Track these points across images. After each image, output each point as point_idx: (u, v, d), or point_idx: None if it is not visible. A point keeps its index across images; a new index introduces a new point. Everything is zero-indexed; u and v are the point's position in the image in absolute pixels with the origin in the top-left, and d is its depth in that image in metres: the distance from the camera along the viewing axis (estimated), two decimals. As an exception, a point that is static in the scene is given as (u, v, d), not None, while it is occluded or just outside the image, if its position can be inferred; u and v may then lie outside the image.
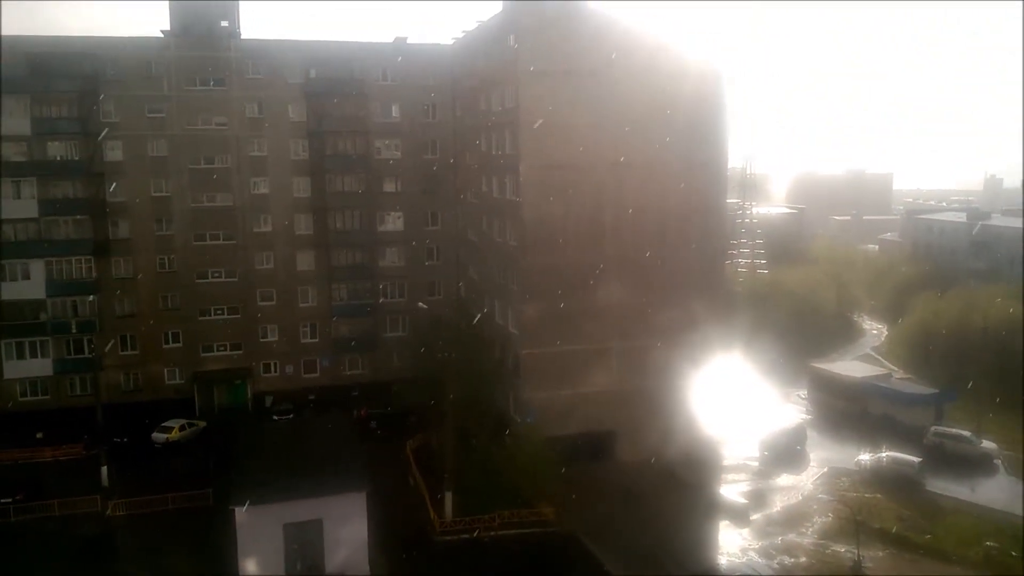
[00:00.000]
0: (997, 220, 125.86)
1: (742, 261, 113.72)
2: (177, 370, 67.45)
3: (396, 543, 43.15)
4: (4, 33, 60.61)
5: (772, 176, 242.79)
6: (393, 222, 71.59)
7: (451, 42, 70.62)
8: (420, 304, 68.78)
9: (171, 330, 67.10)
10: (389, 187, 71.12)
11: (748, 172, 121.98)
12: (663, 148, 55.61)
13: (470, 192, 67.54)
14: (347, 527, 39.02)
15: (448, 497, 46.33)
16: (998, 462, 59.18)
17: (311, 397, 67.93)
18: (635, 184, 55.40)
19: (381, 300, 71.28)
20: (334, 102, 68.29)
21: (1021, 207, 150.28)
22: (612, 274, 55.25)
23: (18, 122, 62.00)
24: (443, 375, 50.72)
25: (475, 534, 44.70)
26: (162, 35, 65.48)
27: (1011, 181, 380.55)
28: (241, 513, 37.85)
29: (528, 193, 54.53)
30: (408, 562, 42.33)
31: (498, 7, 58.95)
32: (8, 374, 63.53)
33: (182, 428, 60.99)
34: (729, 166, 69.34)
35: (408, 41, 71.59)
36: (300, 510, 38.51)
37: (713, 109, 58.32)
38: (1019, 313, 78.89)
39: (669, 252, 56.94)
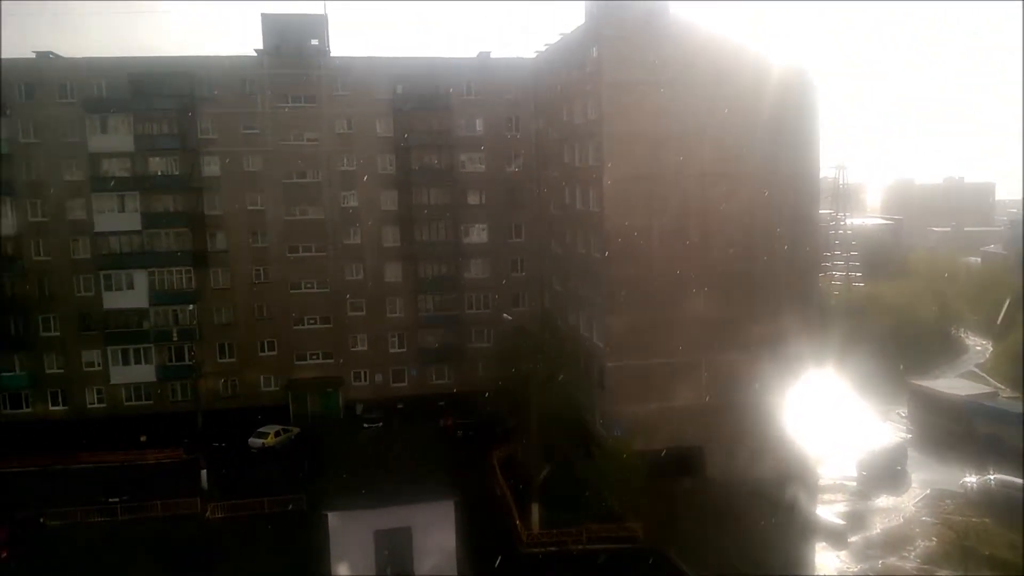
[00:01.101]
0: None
1: (836, 273, 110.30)
2: (272, 378, 69.53)
3: (483, 553, 42.99)
4: (108, 55, 63.90)
5: (866, 185, 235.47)
6: (478, 234, 72.18)
7: (533, 55, 70.96)
8: (504, 315, 69.02)
9: (266, 339, 69.26)
10: (473, 199, 71.78)
11: (841, 182, 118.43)
12: (750, 157, 54.42)
13: (553, 204, 67.51)
14: (436, 535, 39.21)
15: (534, 508, 46.09)
16: (1122, 489, 55.25)
17: (399, 406, 68.94)
18: (722, 194, 54.32)
19: (466, 311, 71.92)
20: (420, 117, 69.54)
21: None
22: (699, 286, 54.30)
23: (122, 139, 65.28)
24: (528, 386, 50.64)
25: (562, 547, 44.27)
26: (255, 54, 67.86)
27: None
28: (334, 518, 38.54)
29: (611, 204, 54.12)
30: (495, 573, 42.20)
31: (580, 20, 58.94)
32: (114, 379, 66.71)
33: (277, 434, 62.70)
34: (821, 175, 67.43)
35: (491, 56, 72.34)
36: (390, 517, 38.89)
37: (802, 116, 56.78)
38: None
39: (759, 264, 55.60)
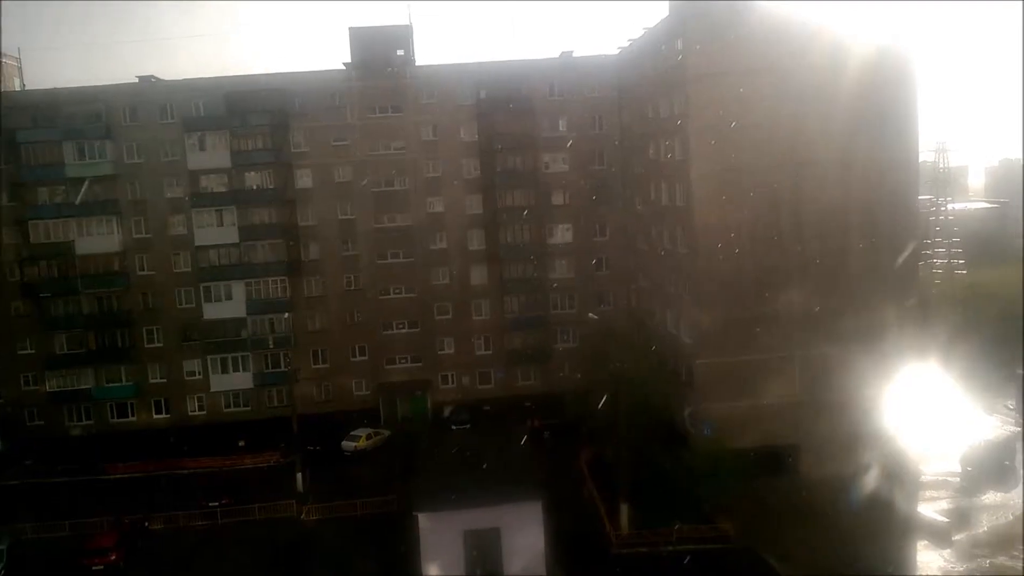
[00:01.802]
0: None
1: (938, 262, 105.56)
2: (363, 382, 71.56)
3: (572, 554, 43.25)
4: (203, 75, 66.71)
5: (969, 168, 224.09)
6: (562, 234, 72.35)
7: (616, 52, 70.64)
8: (590, 315, 69.00)
9: (357, 344, 71.28)
10: (557, 200, 71.99)
11: (941, 165, 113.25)
12: (845, 144, 52.83)
13: (638, 201, 67.08)
14: (524, 536, 39.68)
15: (624, 509, 45.99)
16: None
17: (486, 408, 69.80)
18: (815, 184, 52.92)
19: (552, 312, 72.19)
20: (503, 120, 70.16)
21: None
22: (791, 279, 53.06)
23: (220, 155, 68.34)
24: (615, 386, 50.49)
25: (652, 548, 44.03)
26: (344, 67, 69.88)
27: None
28: (424, 519, 39.48)
29: (699, 198, 53.56)
30: (585, 574, 42.35)
31: (663, 14, 58.40)
32: (214, 387, 69.90)
33: (369, 437, 64.46)
34: (920, 160, 64.79)
35: (574, 55, 72.42)
36: (479, 518, 39.59)
37: (897, 99, 54.77)
38: None
39: (855, 254, 53.91)
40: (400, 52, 70.49)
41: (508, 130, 70.36)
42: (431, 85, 70.34)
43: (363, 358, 71.49)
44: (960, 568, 43.05)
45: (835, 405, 52.04)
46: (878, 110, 53.49)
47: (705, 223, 53.28)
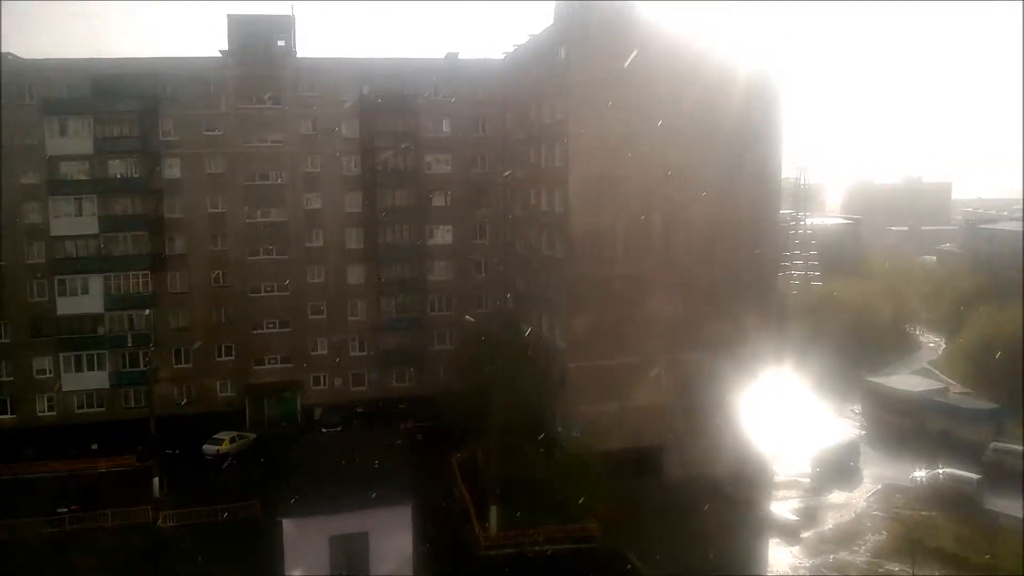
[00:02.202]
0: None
1: (796, 273, 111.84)
2: (229, 383, 68.82)
3: (441, 557, 43.29)
4: (70, 56, 62.40)
5: (827, 186, 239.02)
6: (442, 236, 72.16)
7: (502, 56, 71.18)
8: (467, 317, 69.13)
9: (224, 343, 68.53)
10: (439, 201, 71.74)
11: (802, 182, 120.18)
12: (714, 157, 55.09)
13: (519, 205, 67.79)
14: (393, 540, 39.26)
15: (493, 511, 46.33)
16: (1066, 480, 56.94)
17: (359, 410, 68.67)
18: (685, 194, 54.96)
19: (429, 313, 71.85)
20: (386, 118, 69.22)
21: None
22: (661, 286, 54.81)
23: (82, 141, 64.15)
24: (489, 388, 50.81)
25: (520, 549, 44.57)
26: (220, 55, 67.23)
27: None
28: (288, 525, 38.42)
29: (576, 205, 54.58)
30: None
31: (549, 21, 59.26)
32: (66, 386, 65.39)
33: (232, 440, 62.16)
34: (782, 175, 68.48)
35: (459, 56, 72.46)
36: (346, 522, 38.89)
37: (765, 117, 57.67)
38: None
39: (720, 263, 56.32)
40: (281, 43, 68.33)
41: (391, 128, 69.50)
42: (313, 78, 68.60)
43: (230, 358, 68.81)
44: (807, 563, 45.82)
45: (699, 408, 54.30)
46: (747, 128, 56.13)
47: (581, 229, 54.41)
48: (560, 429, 56.48)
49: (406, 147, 69.62)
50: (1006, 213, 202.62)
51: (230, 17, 67.26)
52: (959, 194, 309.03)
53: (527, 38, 64.40)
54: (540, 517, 45.99)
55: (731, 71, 54.75)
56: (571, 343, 55.57)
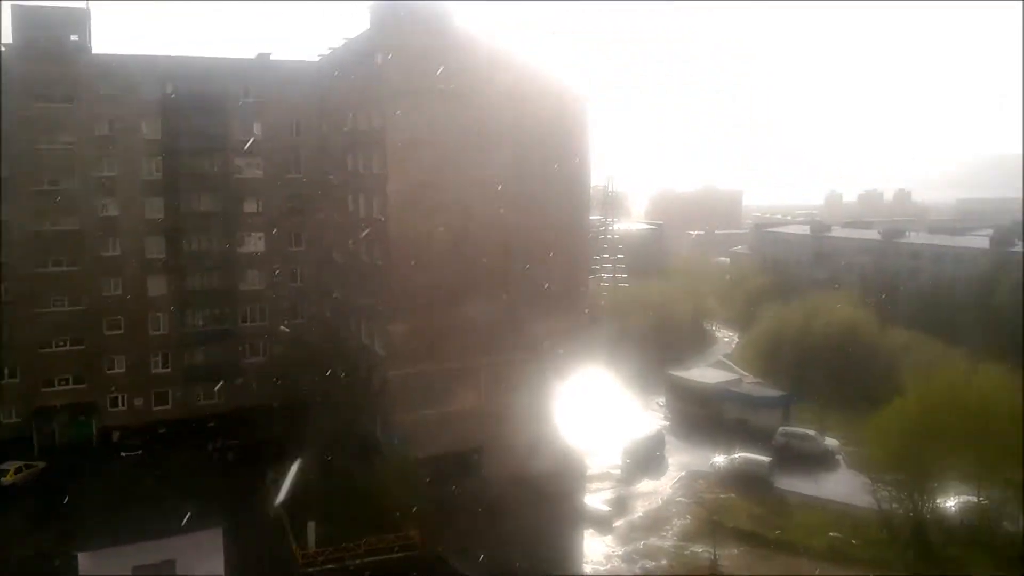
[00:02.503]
0: (837, 232, 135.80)
1: (605, 276, 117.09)
2: (13, 408, 62.40)
3: (256, 577, 41.59)
4: None
5: (632, 193, 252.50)
6: (254, 243, 69.37)
7: (317, 59, 69.51)
8: (282, 327, 66.91)
9: (6, 365, 62.02)
10: (250, 207, 68.91)
11: (610, 189, 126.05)
12: (529, 166, 56.75)
13: (336, 212, 66.53)
14: (202, 566, 37.27)
15: (311, 527, 45.09)
16: (840, 458, 63.32)
17: (162, 431, 64.11)
18: (501, 202, 56.19)
19: (241, 324, 68.75)
20: (192, 120, 65.49)
21: (858, 220, 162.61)
22: (479, 291, 55.66)
23: None
24: (306, 400, 49.59)
25: (340, 563, 43.67)
26: (3, 48, 60.82)
27: (849, 196, 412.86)
28: (85, 559, 35.53)
29: (395, 212, 54.38)
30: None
31: (365, 25, 58.57)
32: None
33: (19, 470, 56.21)
34: (592, 184, 71.67)
35: (272, 57, 69.94)
36: (151, 551, 36.50)
37: (576, 128, 60.22)
38: (857, 318, 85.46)
39: (535, 268, 58.00)
40: (74, 37, 63.09)
41: (197, 130, 65.84)
42: (110, 76, 63.52)
43: (13, 380, 62.40)
44: (619, 551, 48.19)
45: (517, 408, 55.60)
46: (559, 138, 58.41)
47: (401, 236, 54.24)
48: (381, 437, 56.01)
49: (213, 150, 66.38)
50: (790, 218, 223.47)
51: (14, 7, 61.32)
52: (749, 200, 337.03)
53: (343, 41, 63.44)
54: (361, 529, 45.30)
55: (545, 85, 56.79)
56: (391, 351, 55.28)
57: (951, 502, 49.80)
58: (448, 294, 55.01)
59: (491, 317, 55.92)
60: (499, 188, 56.06)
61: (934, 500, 48.69)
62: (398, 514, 46.47)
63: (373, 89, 56.36)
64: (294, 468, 49.53)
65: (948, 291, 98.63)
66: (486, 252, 56.45)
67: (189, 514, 37.73)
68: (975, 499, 49.02)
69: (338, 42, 64.82)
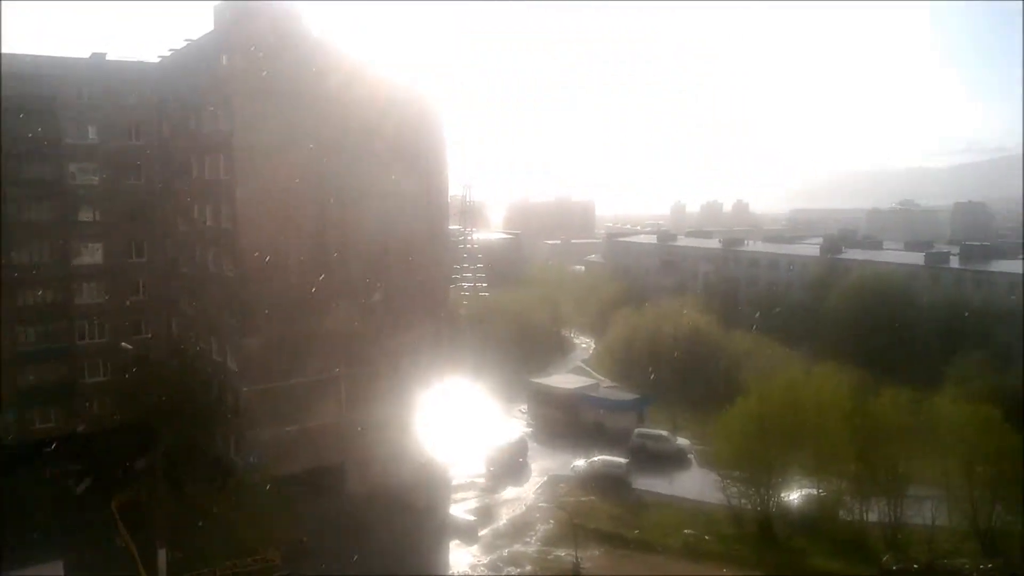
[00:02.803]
0: (682, 241, 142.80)
1: (466, 285, 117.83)
2: None
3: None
4: None
5: (490, 203, 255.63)
6: (91, 254, 64.68)
7: (157, 60, 65.91)
8: (124, 344, 62.79)
9: None
10: (85, 215, 64.16)
11: (468, 200, 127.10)
12: (386, 174, 56.27)
13: (182, 220, 63.28)
14: (40, 603, 34.49)
15: (161, 555, 42.48)
16: (691, 456, 66.37)
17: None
18: (359, 210, 55.44)
19: (78, 342, 63.92)
20: (18, 122, 60.21)
21: (700, 230, 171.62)
22: (336, 302, 54.69)
23: None
24: (154, 421, 46.80)
25: (193, 591, 41.47)
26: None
27: (692, 207, 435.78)
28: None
29: (245, 220, 52.45)
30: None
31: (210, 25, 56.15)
32: None
33: None
34: (450, 193, 71.87)
35: (107, 57, 65.62)
36: (-22, 591, 33.40)
37: (434, 138, 60.31)
38: (702, 323, 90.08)
39: (394, 278, 57.57)
40: None
41: (23, 133, 60.82)
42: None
43: None
44: (484, 560, 48.38)
45: (379, 421, 54.91)
46: (415, 146, 58.25)
47: (252, 245, 52.31)
48: (236, 457, 53.71)
49: (44, 155, 61.53)
50: (639, 228, 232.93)
51: None
52: (601, 211, 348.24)
53: (184, 43, 60.59)
54: (217, 554, 43.18)
55: (404, 94, 56.50)
56: (245, 366, 53.26)
57: (794, 495, 53.14)
58: (304, 305, 53.62)
59: (350, 328, 55.04)
60: (355, 196, 55.23)
61: (778, 494, 51.73)
62: (256, 536, 44.60)
63: (219, 92, 54.15)
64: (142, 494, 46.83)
65: (783, 296, 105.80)
66: (343, 261, 55.48)
67: (21, 548, 34.70)
68: (815, 491, 52.58)
69: (179, 43, 61.93)
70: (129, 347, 61.32)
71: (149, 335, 66.13)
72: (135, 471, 51.26)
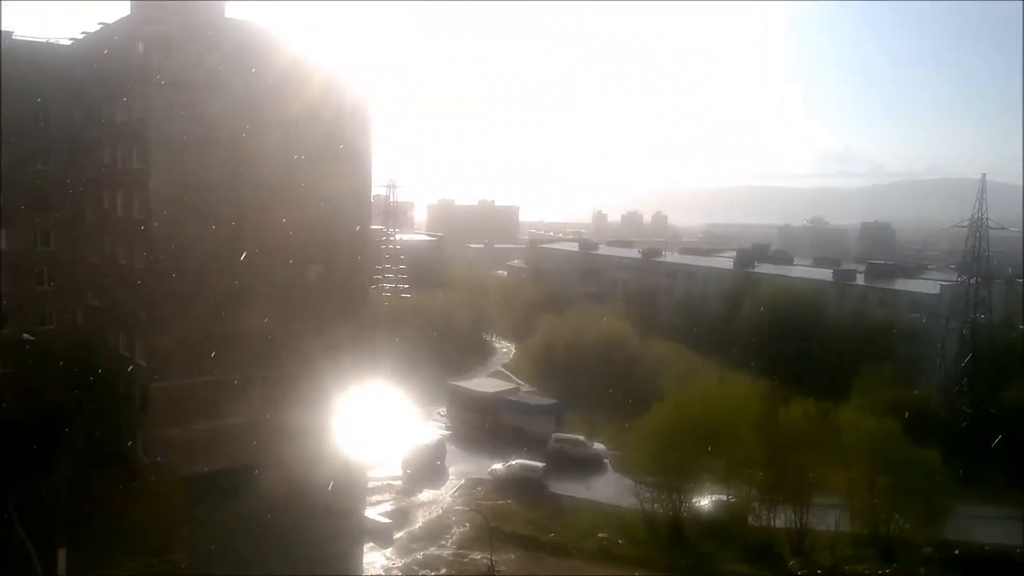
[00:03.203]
0: (603, 250, 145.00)
1: (387, 285, 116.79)
2: None
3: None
4: None
5: (414, 204, 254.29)
6: (-8, 242, 61.53)
7: (68, 43, 63.08)
8: (25, 335, 59.85)
9: None
10: (-13, 203, 60.97)
11: (391, 200, 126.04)
12: (308, 171, 55.31)
13: (91, 210, 60.76)
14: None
15: (61, 555, 40.68)
16: (607, 461, 67.31)
17: None
18: (279, 207, 54.24)
19: (-25, 332, 60.70)
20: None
21: (621, 239, 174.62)
22: (254, 299, 53.43)
23: None
24: (56, 416, 44.74)
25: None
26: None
27: (614, 216, 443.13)
28: None
29: (159, 211, 50.84)
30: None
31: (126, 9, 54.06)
32: None
33: None
34: (373, 193, 71.09)
35: (13, 36, 62.36)
36: None
37: (358, 136, 59.48)
38: (621, 330, 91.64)
39: (315, 277, 56.68)
40: None
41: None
42: None
43: None
44: (399, 563, 47.98)
45: (295, 422, 53.80)
46: (338, 145, 57.35)
47: (163, 238, 50.71)
48: (143, 455, 51.84)
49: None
50: (561, 235, 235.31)
51: None
52: (526, 216, 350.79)
53: (99, 26, 58.24)
54: (121, 555, 41.58)
55: (327, 90, 55.61)
56: (154, 361, 51.62)
57: (705, 501, 54.51)
58: (218, 302, 52.27)
59: (266, 327, 53.78)
60: (275, 192, 54.12)
61: (690, 499, 53.01)
62: (162, 537, 43.10)
63: (134, 78, 52.26)
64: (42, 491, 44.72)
65: (699, 306, 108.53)
66: (261, 258, 54.20)
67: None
68: (725, 497, 54.04)
69: (93, 26, 59.51)
70: (32, 338, 58.58)
71: (53, 327, 63.32)
72: (34, 468, 48.69)
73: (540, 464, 61.94)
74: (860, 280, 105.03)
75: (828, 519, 50.36)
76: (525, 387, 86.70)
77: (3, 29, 62.00)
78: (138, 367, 53.26)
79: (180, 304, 50.98)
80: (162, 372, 51.11)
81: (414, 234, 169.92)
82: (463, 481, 61.74)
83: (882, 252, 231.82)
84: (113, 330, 57.40)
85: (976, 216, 72.94)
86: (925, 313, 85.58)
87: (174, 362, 51.07)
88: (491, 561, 46.57)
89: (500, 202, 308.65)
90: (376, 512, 54.31)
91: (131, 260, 54.20)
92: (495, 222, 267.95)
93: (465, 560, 48.51)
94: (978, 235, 72.76)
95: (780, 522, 51.83)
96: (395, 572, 47.00)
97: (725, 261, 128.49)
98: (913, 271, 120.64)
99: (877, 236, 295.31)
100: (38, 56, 62.30)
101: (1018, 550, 49.08)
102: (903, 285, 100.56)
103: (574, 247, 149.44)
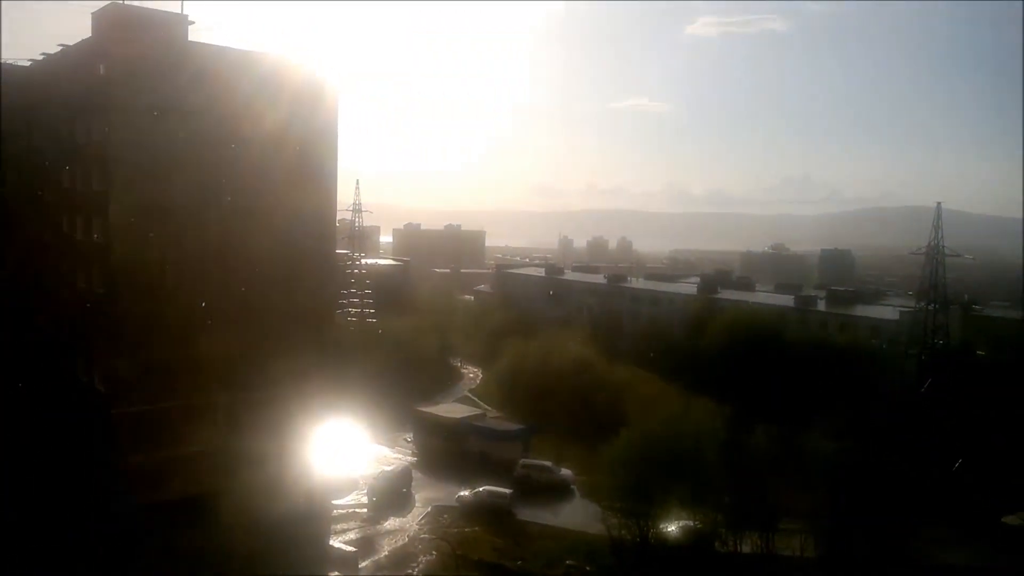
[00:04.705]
0: (569, 275, 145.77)
1: (353, 310, 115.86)
2: None
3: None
4: None
5: (380, 229, 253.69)
6: (-58, 264, 60.08)
7: (27, 64, 62.16)
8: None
9: None
10: (-62, 222, 59.65)
11: (357, 224, 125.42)
12: (272, 195, 54.89)
13: (48, 232, 59.55)
14: None
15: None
16: (574, 487, 66.96)
17: None
18: (242, 231, 53.74)
19: (-76, 358, 59.04)
20: None
21: (587, 265, 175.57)
22: (216, 324, 52.57)
23: None
24: (8, 443, 43.50)
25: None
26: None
27: (579, 242, 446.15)
28: None
29: (120, 235, 49.93)
30: None
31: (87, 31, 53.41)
32: None
33: None
34: (338, 217, 70.70)
35: (-31, 56, 61.46)
36: None
37: (323, 160, 59.12)
38: (587, 355, 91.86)
39: (279, 301, 55.93)
40: None
41: None
42: None
43: None
44: (364, 592, 47.11)
45: (259, 449, 52.86)
46: (303, 170, 56.94)
47: (124, 261, 49.78)
48: (101, 482, 50.41)
49: None
50: (528, 260, 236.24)
51: None
52: (492, 241, 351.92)
53: (59, 48, 57.50)
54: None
55: (290, 113, 55.24)
56: (114, 387, 50.47)
57: (672, 526, 54.38)
58: (181, 326, 51.34)
59: (230, 352, 52.90)
60: (239, 215, 53.54)
61: (657, 525, 52.86)
62: (119, 567, 41.90)
63: (95, 101, 51.48)
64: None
65: (664, 331, 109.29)
66: (226, 283, 53.50)
67: None
68: (691, 523, 53.96)
69: (53, 48, 58.72)
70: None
71: (6, 350, 61.65)
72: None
73: (507, 490, 61.44)
74: (821, 306, 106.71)
75: (793, 544, 50.54)
76: (492, 412, 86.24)
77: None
78: (97, 392, 52.03)
79: (142, 329, 49.94)
80: (121, 398, 49.90)
81: (380, 258, 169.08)
82: (430, 508, 60.96)
83: (842, 278, 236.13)
84: (70, 354, 56.05)
85: (932, 243, 74.66)
86: (885, 339, 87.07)
87: (134, 387, 49.93)
88: (458, 589, 45.96)
89: (466, 227, 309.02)
90: (341, 541, 53.32)
91: (89, 283, 53.13)
92: (462, 246, 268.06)
93: (430, 589, 47.78)
94: (935, 262, 74.45)
95: (747, 547, 51.89)
96: (360, 602, 46.13)
97: (689, 287, 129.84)
98: (872, 297, 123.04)
99: (837, 262, 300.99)
100: (-3, 77, 61.30)
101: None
102: (863, 311, 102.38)
103: (540, 272, 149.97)
